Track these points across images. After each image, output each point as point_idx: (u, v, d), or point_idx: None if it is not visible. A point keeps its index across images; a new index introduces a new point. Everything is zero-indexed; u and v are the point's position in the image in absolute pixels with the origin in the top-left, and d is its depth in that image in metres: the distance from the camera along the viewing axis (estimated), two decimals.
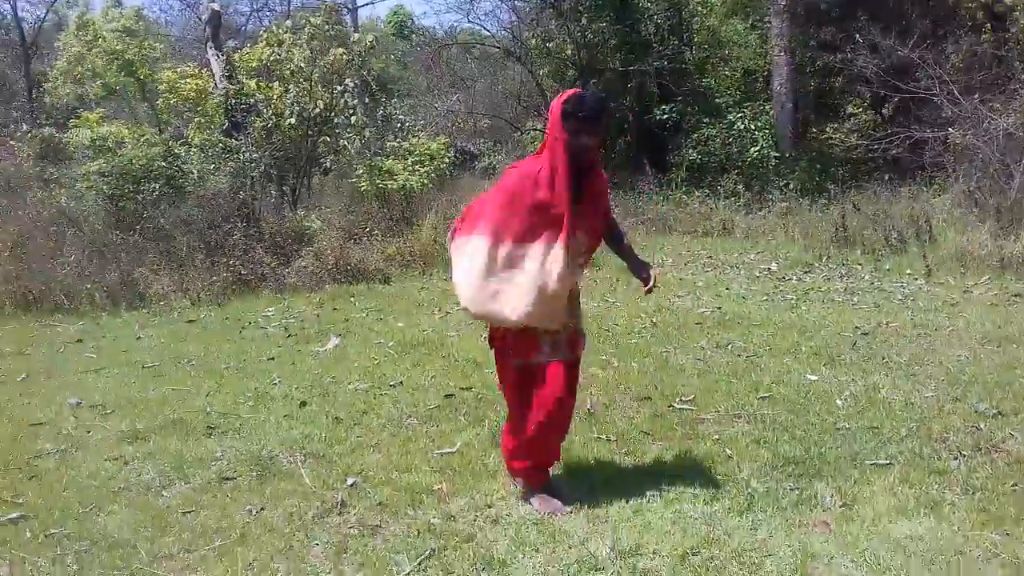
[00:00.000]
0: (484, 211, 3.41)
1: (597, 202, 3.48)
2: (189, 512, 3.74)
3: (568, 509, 3.55)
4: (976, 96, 10.96)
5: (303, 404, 5.35)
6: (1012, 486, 3.59)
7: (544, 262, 3.31)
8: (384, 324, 7.92)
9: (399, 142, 13.80)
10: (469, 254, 3.38)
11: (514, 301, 3.32)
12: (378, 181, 12.51)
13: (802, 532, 3.29)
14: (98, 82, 16.97)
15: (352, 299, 9.39)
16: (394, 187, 12.54)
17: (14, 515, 3.72)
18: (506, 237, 3.33)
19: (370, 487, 3.94)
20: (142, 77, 15.76)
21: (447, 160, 14.64)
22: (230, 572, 3.16)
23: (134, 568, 3.21)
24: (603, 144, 3.38)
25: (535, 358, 3.47)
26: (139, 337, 7.91)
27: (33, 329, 8.46)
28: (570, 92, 3.31)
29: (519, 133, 19.71)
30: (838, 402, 4.84)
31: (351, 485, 3.96)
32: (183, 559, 3.29)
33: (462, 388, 5.52)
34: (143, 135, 12.72)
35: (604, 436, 4.47)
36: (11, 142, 15.87)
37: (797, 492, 3.65)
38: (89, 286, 9.51)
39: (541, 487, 3.67)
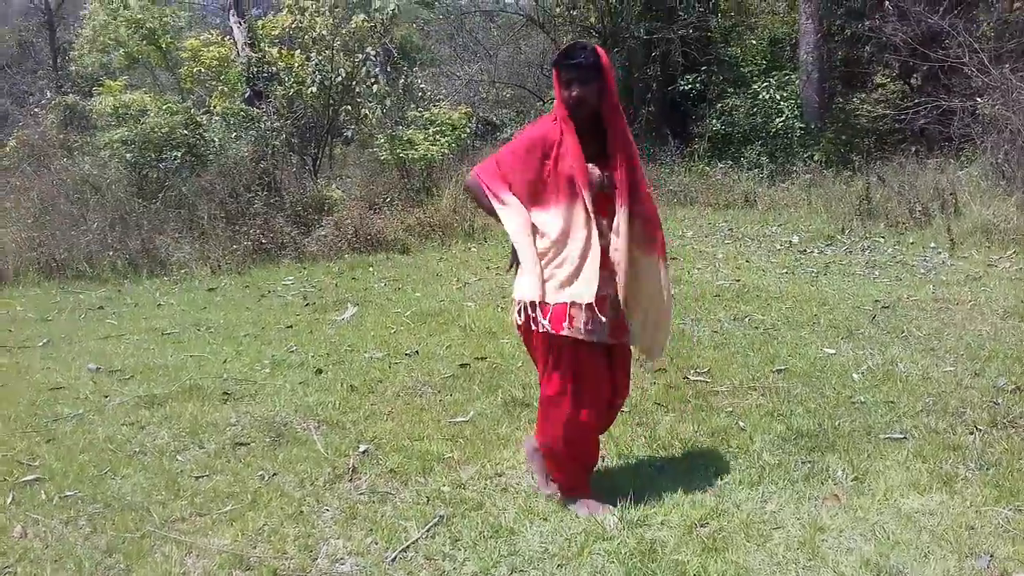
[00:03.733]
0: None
1: (623, 166, 3.17)
2: (202, 476, 3.78)
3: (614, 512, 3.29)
4: (1007, 65, 10.71)
5: (319, 371, 5.39)
6: None
7: (562, 227, 3.15)
8: (402, 294, 7.95)
9: (420, 112, 13.76)
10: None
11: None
12: (399, 151, 12.49)
13: (812, 505, 3.27)
14: (121, 51, 16.99)
15: (371, 268, 9.43)
16: (415, 157, 12.52)
17: (30, 477, 3.80)
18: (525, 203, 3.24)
19: (382, 454, 3.96)
20: (164, 46, 15.75)
21: (468, 130, 14.58)
22: (241, 536, 3.20)
23: (146, 530, 3.26)
24: (602, 99, 3.13)
25: (563, 331, 3.14)
26: (159, 304, 8.00)
27: (55, 296, 8.58)
28: (567, 44, 3.19)
29: (541, 103, 19.55)
30: (855, 376, 4.79)
31: (363, 452, 3.99)
32: (195, 522, 3.34)
33: (477, 358, 5.53)
34: (165, 103, 12.75)
35: None
36: (36, 110, 15.98)
37: (809, 465, 3.62)
38: (111, 253, 9.63)
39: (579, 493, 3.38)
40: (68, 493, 3.62)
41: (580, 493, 3.37)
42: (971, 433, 3.89)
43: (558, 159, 3.14)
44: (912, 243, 9.15)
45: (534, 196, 3.20)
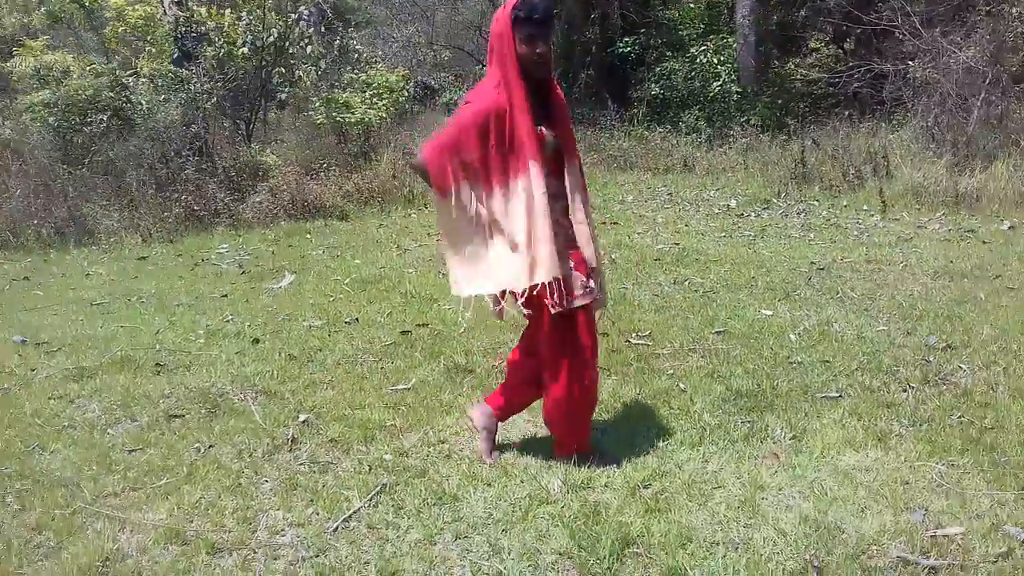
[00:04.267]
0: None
1: (565, 121, 3.22)
2: (135, 450, 3.67)
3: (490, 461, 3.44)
4: (937, 29, 10.90)
5: (256, 341, 5.27)
6: (958, 418, 3.64)
7: (526, 206, 3.02)
8: (340, 261, 7.82)
9: (357, 74, 13.49)
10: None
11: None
12: (335, 114, 12.23)
13: (752, 464, 3.31)
14: (43, 9, 16.31)
15: (308, 236, 9.26)
16: (352, 121, 12.27)
17: None
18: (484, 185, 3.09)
19: (322, 424, 3.90)
20: (87, 4, 15.15)
21: (406, 93, 14.35)
22: (176, 510, 3.11)
23: (77, 506, 3.15)
24: (551, 58, 3.12)
25: (575, 300, 3.12)
26: (88, 274, 7.74)
27: None
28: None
29: (480, 66, 19.35)
30: (791, 336, 4.87)
31: (303, 422, 3.92)
32: (128, 497, 3.24)
33: (418, 325, 5.47)
34: (89, 64, 12.25)
35: None
36: None
37: (748, 425, 3.67)
38: (36, 222, 9.28)
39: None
40: None
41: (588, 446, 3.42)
42: (904, 391, 3.99)
43: (513, 131, 3.02)
44: (846, 206, 9.32)
45: (489, 176, 3.06)
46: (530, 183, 3.01)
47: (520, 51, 3.01)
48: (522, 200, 3.02)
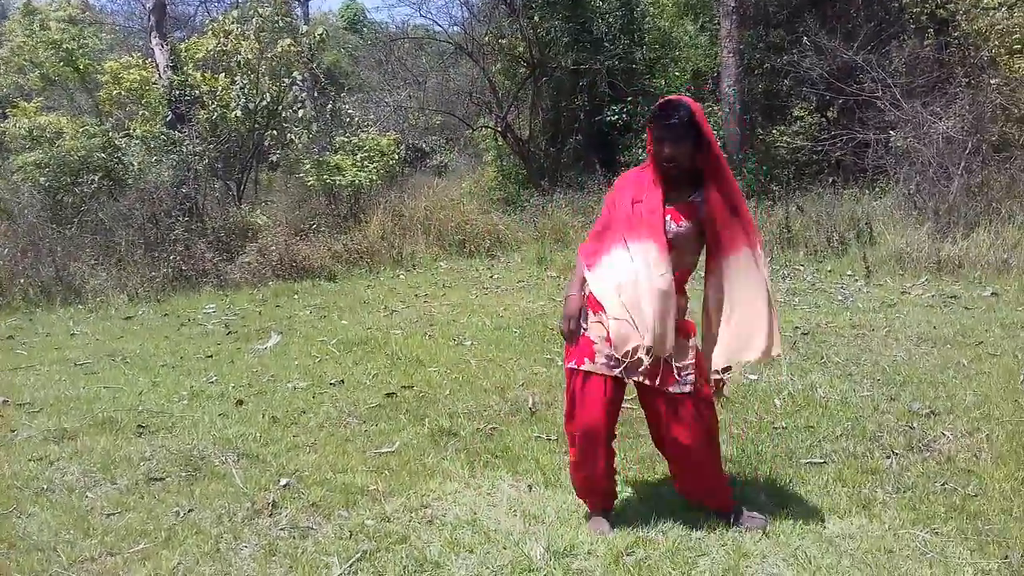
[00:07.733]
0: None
1: (712, 217, 3.29)
2: (114, 514, 3.63)
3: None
4: (918, 100, 11.16)
5: (239, 403, 5.24)
6: (942, 485, 3.64)
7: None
8: (327, 322, 7.82)
9: (348, 137, 13.68)
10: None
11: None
12: (326, 177, 12.37)
13: (736, 531, 3.29)
14: (36, 72, 16.48)
15: (296, 296, 9.27)
16: (342, 183, 12.41)
17: None
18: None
19: (304, 488, 3.86)
20: (82, 67, 15.34)
21: (397, 156, 14.54)
22: (154, 575, 3.07)
23: (52, 571, 3.10)
24: (699, 153, 3.17)
25: (585, 364, 3.34)
26: (73, 334, 7.72)
27: None
28: (662, 100, 3.23)
29: (471, 131, 19.65)
30: (776, 401, 4.88)
31: (284, 486, 3.88)
32: (104, 562, 3.19)
33: (404, 387, 5.46)
34: (82, 126, 12.38)
35: (544, 435, 4.45)
36: None
37: (733, 491, 3.65)
38: (23, 281, 9.27)
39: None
40: None
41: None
42: (888, 457, 3.99)
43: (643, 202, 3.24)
44: (830, 271, 9.41)
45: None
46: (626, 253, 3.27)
47: (652, 148, 3.21)
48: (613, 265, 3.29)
